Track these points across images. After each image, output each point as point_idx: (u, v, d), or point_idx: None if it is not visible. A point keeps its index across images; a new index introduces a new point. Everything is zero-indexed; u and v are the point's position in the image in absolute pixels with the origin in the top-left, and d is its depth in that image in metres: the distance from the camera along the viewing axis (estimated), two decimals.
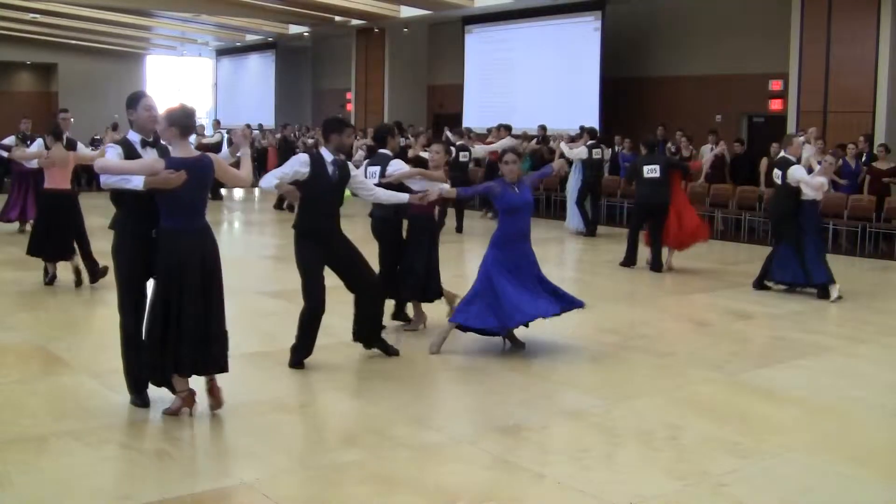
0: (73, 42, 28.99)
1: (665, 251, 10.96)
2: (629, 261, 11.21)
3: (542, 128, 18.22)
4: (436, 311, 7.68)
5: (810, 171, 9.48)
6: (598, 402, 5.74)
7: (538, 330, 7.12)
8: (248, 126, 24.37)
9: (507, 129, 16.80)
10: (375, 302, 6.46)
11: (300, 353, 6.28)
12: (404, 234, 7.51)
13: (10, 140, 13.34)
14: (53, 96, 31.25)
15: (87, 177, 18.52)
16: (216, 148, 18.36)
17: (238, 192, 21.13)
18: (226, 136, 24.54)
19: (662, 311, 9.05)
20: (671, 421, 5.39)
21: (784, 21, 15.43)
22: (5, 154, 13.25)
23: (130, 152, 5.20)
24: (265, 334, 7.35)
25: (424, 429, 5.21)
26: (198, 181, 5.09)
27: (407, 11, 21.48)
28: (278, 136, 22.33)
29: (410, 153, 10.55)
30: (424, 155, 10.35)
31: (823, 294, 9.32)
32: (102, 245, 9.10)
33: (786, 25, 15.37)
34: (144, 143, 5.29)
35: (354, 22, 23.18)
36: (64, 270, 9.30)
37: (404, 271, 7.30)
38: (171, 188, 4.94)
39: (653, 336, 7.75)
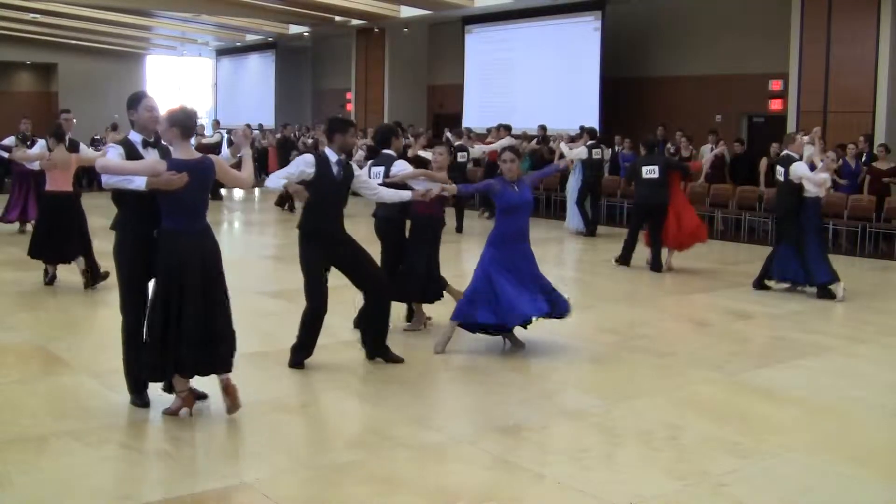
0: (73, 42, 28.99)
1: (665, 251, 10.97)
2: (624, 259, 11.24)
3: (542, 128, 18.22)
4: (441, 311, 7.69)
5: (813, 168, 9.48)
6: (598, 402, 5.74)
7: (538, 330, 7.12)
8: (249, 126, 24.48)
9: (507, 129, 16.81)
10: (382, 302, 6.40)
11: (301, 353, 6.28)
12: (407, 234, 7.52)
13: (10, 140, 13.32)
14: (53, 96, 31.25)
15: (87, 177, 18.52)
16: (216, 148, 18.35)
17: (238, 192, 21.13)
18: (225, 136, 24.57)
19: (662, 311, 9.05)
20: (671, 421, 5.39)
21: (784, 21, 15.43)
22: (6, 154, 13.24)
23: (132, 153, 5.20)
24: (265, 334, 7.34)
25: (424, 429, 5.21)
26: (199, 183, 5.09)
27: (407, 11, 21.48)
28: (278, 136, 22.32)
29: (410, 153, 10.55)
30: (424, 155, 10.36)
31: (823, 294, 9.32)
32: (104, 245, 9.13)
33: (786, 25, 15.37)
34: (146, 144, 5.29)
35: (354, 22, 23.18)
36: (64, 271, 9.30)
37: (406, 272, 7.30)
38: (172, 189, 4.94)
39: (653, 336, 7.75)
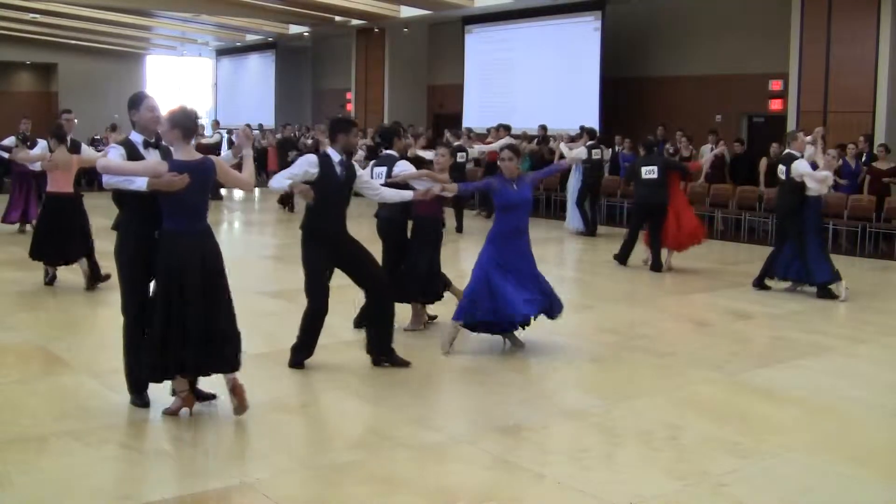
0: (73, 42, 29.00)
1: (664, 251, 10.97)
2: (622, 258, 11.25)
3: (543, 128, 18.23)
4: (441, 310, 7.69)
5: (815, 168, 9.48)
6: (598, 402, 5.74)
7: (538, 330, 7.12)
8: (249, 126, 24.47)
9: (507, 129, 16.80)
10: (384, 302, 6.37)
11: (301, 353, 6.28)
12: (409, 234, 7.53)
13: (10, 141, 13.32)
14: (53, 96, 31.25)
15: (87, 177, 18.52)
16: (215, 148, 18.36)
17: (238, 193, 21.12)
18: (225, 136, 24.57)
19: (662, 311, 9.05)
20: (671, 421, 5.39)
21: (784, 21, 15.43)
22: (6, 155, 13.23)
23: (133, 153, 5.20)
24: (265, 334, 7.34)
25: (424, 429, 5.21)
26: (200, 184, 5.09)
27: (407, 11, 21.48)
28: (279, 136, 22.31)
29: (409, 153, 10.55)
30: (423, 154, 10.37)
31: (823, 294, 9.32)
32: (104, 245, 9.13)
33: (786, 25, 15.37)
34: (147, 144, 5.28)
35: (354, 22, 23.18)
36: (63, 271, 9.29)
37: (407, 272, 7.31)
38: (173, 191, 4.94)
39: (653, 336, 7.75)
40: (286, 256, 11.87)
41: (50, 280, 9.18)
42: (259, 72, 30.45)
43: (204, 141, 19.24)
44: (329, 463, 4.71)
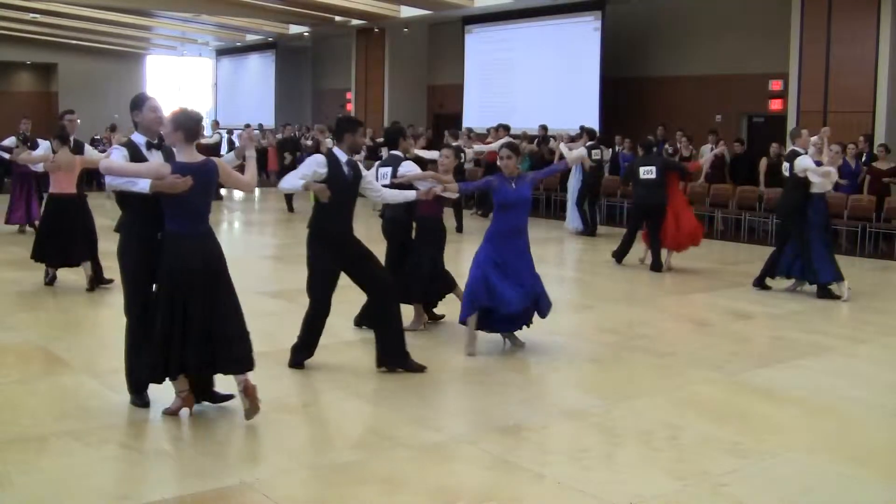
0: (73, 42, 29.00)
1: (664, 251, 10.98)
2: (619, 257, 11.27)
3: (543, 128, 18.23)
4: (442, 310, 7.69)
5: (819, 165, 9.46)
6: (598, 402, 5.74)
7: (538, 330, 7.12)
8: (249, 126, 24.45)
9: (506, 129, 16.80)
10: (388, 304, 6.29)
11: (301, 353, 6.28)
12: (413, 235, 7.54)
13: (10, 141, 13.31)
14: (53, 96, 31.26)
15: (86, 177, 18.53)
16: (215, 148, 18.37)
17: (238, 193, 21.13)
18: (225, 136, 24.56)
19: (662, 311, 9.05)
20: (671, 421, 5.39)
21: (784, 21, 15.43)
22: (7, 156, 13.22)
23: (136, 154, 5.19)
24: (265, 334, 7.32)
25: (424, 429, 5.21)
26: (202, 186, 5.08)
27: (407, 11, 21.48)
28: (279, 136, 22.31)
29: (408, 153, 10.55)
30: (423, 154, 10.36)
31: (823, 294, 9.32)
32: (105, 246, 9.14)
33: (786, 25, 15.37)
34: (150, 145, 5.28)
35: (354, 22, 23.19)
36: (63, 271, 9.28)
37: (410, 272, 7.31)
38: (176, 193, 4.94)
39: (653, 336, 7.75)
40: (286, 256, 11.87)
41: (50, 280, 9.18)
42: (259, 72, 30.45)
43: (204, 141, 19.22)
44: (329, 463, 4.71)
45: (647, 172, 10.94)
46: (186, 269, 5.02)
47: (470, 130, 19.41)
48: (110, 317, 8.05)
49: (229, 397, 5.37)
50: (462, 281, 7.21)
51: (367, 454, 4.80)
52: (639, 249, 11.31)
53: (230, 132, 26.53)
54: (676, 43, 18.46)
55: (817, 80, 14.91)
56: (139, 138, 5.29)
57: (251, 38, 28.85)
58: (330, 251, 6.14)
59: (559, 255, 13.07)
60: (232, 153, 5.82)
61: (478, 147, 16.02)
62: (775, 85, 16.81)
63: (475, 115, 21.71)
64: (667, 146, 15.53)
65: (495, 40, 21.61)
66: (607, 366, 6.78)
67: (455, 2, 20.34)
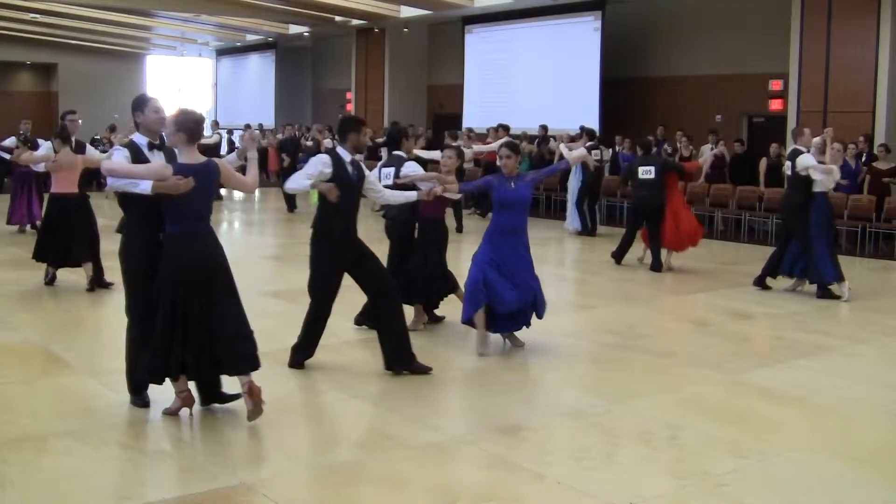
0: (73, 42, 29.02)
1: (664, 251, 10.98)
2: (618, 257, 11.28)
3: (544, 128, 18.23)
4: (444, 310, 7.69)
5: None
6: (598, 402, 5.74)
7: (538, 330, 7.12)
8: (249, 126, 24.44)
9: (506, 129, 16.80)
10: (390, 306, 6.25)
11: (301, 353, 6.27)
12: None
13: (10, 141, 13.31)
14: (53, 96, 31.28)
15: (86, 178, 18.53)
16: (215, 149, 18.36)
17: (238, 193, 21.12)
18: (224, 136, 24.55)
19: (662, 311, 9.05)
20: (671, 421, 5.39)
21: (784, 21, 15.43)
22: (7, 156, 13.22)
23: (138, 155, 5.18)
24: (265, 334, 7.29)
25: (424, 429, 5.21)
26: (204, 187, 5.07)
27: (407, 11, 21.49)
28: (279, 136, 22.30)
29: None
30: (422, 154, 10.35)
31: (823, 294, 9.32)
32: (107, 246, 9.14)
33: (786, 25, 15.37)
34: (152, 146, 5.28)
35: (354, 22, 23.19)
36: (63, 271, 9.27)
37: (412, 272, 7.31)
38: (178, 194, 4.93)
39: (653, 336, 7.75)
40: (286, 256, 11.87)
41: (50, 280, 9.17)
42: (259, 72, 30.46)
43: (203, 141, 19.19)
44: (329, 463, 4.72)
45: (646, 173, 10.96)
46: (187, 269, 5.01)
47: (470, 130, 19.40)
48: (110, 317, 8.05)
49: (237, 397, 5.35)
50: (462, 281, 7.21)
51: (367, 454, 4.80)
52: (637, 249, 11.32)
53: (230, 132, 26.53)
54: (676, 43, 18.46)
55: (817, 80, 14.91)
56: (141, 139, 5.29)
57: (251, 38, 28.86)
58: (333, 251, 6.12)
59: (559, 255, 13.07)
60: (234, 154, 5.81)
61: (477, 147, 16.00)
62: (775, 85, 16.81)
63: (475, 115, 21.71)
64: (665, 146, 15.53)
65: (495, 40, 21.62)
66: (607, 366, 6.78)
67: (455, 2, 20.34)
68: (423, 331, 7.45)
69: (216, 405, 5.38)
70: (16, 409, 5.38)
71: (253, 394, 5.06)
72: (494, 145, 14.96)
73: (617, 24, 18.98)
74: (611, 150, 16.69)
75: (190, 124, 5.09)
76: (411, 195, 6.62)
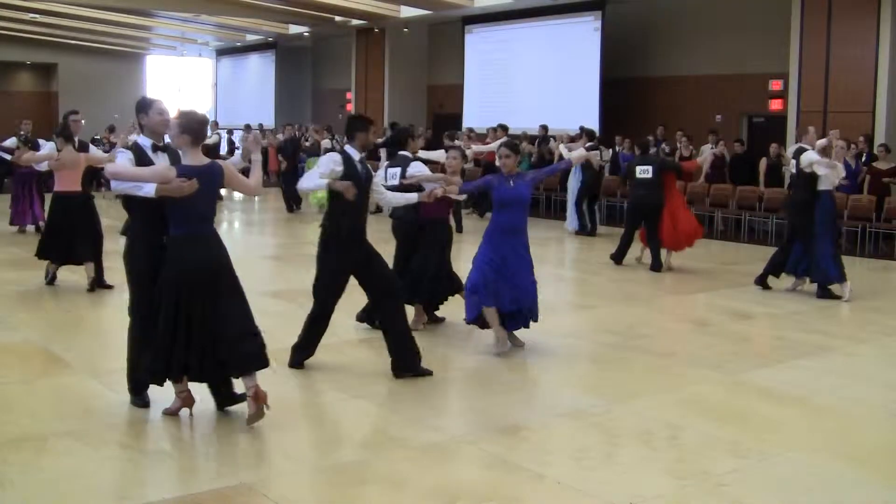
0: (73, 42, 29.01)
1: (664, 251, 10.98)
2: (618, 258, 11.29)
3: (544, 128, 18.22)
4: (445, 311, 7.69)
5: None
6: (598, 402, 5.74)
7: (538, 330, 7.12)
8: (248, 126, 24.42)
9: (504, 129, 16.79)
10: (394, 308, 6.24)
11: (302, 352, 6.27)
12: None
13: (11, 142, 13.30)
14: (53, 96, 31.27)
15: (87, 177, 18.52)
16: (214, 149, 18.36)
17: (238, 193, 21.10)
18: (224, 136, 24.54)
19: (662, 311, 9.05)
20: (671, 421, 5.39)
21: (784, 21, 15.43)
22: (8, 157, 13.21)
23: (141, 157, 5.18)
24: (265, 334, 7.32)
25: (424, 429, 5.21)
26: (207, 189, 5.06)
27: (407, 11, 21.49)
28: (279, 136, 22.26)
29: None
30: (422, 155, 10.34)
31: (823, 294, 9.32)
32: (108, 246, 9.14)
33: (786, 25, 15.37)
34: (156, 148, 5.28)
35: (354, 22, 23.19)
36: (64, 270, 9.27)
37: (415, 273, 7.31)
38: (182, 196, 4.93)
39: (653, 336, 7.76)
40: (286, 256, 11.87)
41: (51, 280, 9.16)
42: (259, 72, 30.45)
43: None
44: (329, 463, 4.72)
45: (644, 172, 10.97)
46: (191, 272, 5.00)
47: (471, 130, 19.39)
48: (111, 317, 8.06)
49: (241, 398, 5.33)
50: (465, 281, 7.21)
51: (367, 454, 4.80)
52: (636, 249, 11.32)
53: (230, 132, 26.52)
54: (676, 43, 18.46)
55: (817, 80, 14.91)
56: (145, 141, 5.29)
57: (251, 38, 28.85)
58: (341, 250, 6.10)
59: (559, 255, 13.07)
60: (239, 155, 5.80)
61: (476, 147, 16.01)
62: (775, 85, 16.81)
63: (475, 116, 21.70)
64: (663, 146, 15.53)
65: (495, 40, 21.61)
66: (607, 366, 6.78)
67: (455, 2, 20.34)
68: (422, 331, 7.44)
69: (212, 406, 5.37)
70: (16, 409, 5.38)
71: (258, 398, 5.05)
72: (494, 145, 14.95)
73: (617, 24, 18.97)
74: (611, 150, 16.69)
75: (194, 125, 5.08)
76: (412, 197, 6.61)
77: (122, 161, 5.15)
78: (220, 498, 4.20)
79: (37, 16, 23.34)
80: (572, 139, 15.56)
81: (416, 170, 7.23)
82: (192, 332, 5.01)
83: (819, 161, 9.16)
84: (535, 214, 15.62)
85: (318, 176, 6.03)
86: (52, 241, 8.96)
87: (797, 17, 15.16)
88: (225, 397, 5.34)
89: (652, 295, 9.77)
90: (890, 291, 10.76)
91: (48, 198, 10.10)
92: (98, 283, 8.92)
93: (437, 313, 7.78)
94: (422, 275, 7.31)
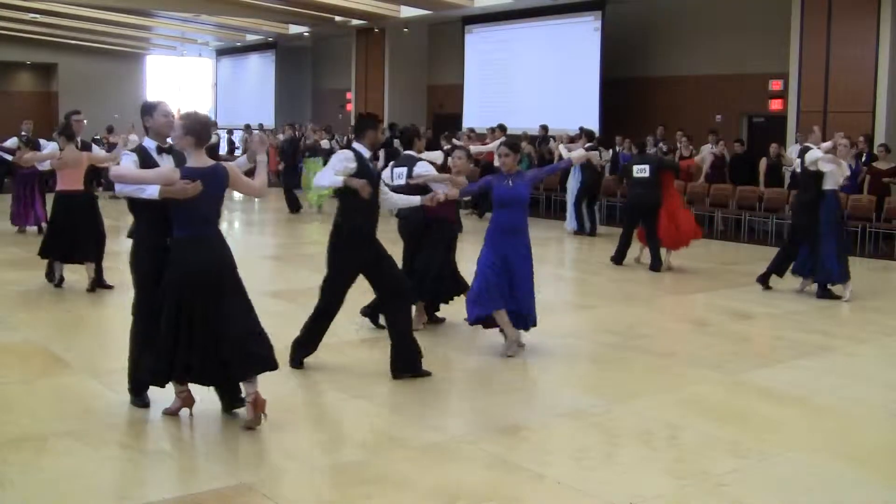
0: (73, 42, 29.01)
1: (663, 251, 10.98)
2: (618, 259, 11.29)
3: (544, 128, 18.22)
4: (446, 311, 7.69)
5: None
6: (598, 402, 5.74)
7: (539, 330, 7.11)
8: (248, 126, 24.43)
9: (503, 129, 16.79)
10: (400, 308, 6.23)
11: (303, 349, 6.25)
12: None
13: (12, 142, 13.30)
14: (53, 96, 31.27)
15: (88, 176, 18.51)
16: (214, 149, 18.36)
17: (237, 193, 21.09)
18: (224, 136, 24.54)
19: (662, 311, 9.05)
20: (671, 421, 5.39)
21: (784, 21, 15.43)
22: (8, 157, 13.21)
23: (146, 160, 5.18)
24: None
25: (425, 429, 5.22)
26: (212, 191, 5.06)
27: (407, 11, 21.49)
28: (280, 136, 22.26)
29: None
30: (422, 155, 10.35)
31: (823, 294, 9.32)
32: (111, 246, 9.14)
33: (786, 25, 15.37)
34: (161, 150, 5.28)
35: (354, 22, 23.19)
36: (64, 270, 9.27)
37: (420, 272, 7.31)
38: (186, 198, 4.92)
39: (653, 336, 7.76)
40: (286, 256, 11.87)
41: (58, 282, 9.11)
42: (259, 72, 30.45)
43: None
44: (329, 463, 4.72)
45: (641, 171, 10.98)
46: (194, 274, 4.98)
47: (471, 130, 19.38)
48: (111, 317, 8.07)
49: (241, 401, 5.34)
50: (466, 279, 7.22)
51: (367, 454, 4.80)
52: (634, 249, 11.32)
53: (230, 132, 26.53)
54: (676, 43, 18.46)
55: (817, 80, 14.91)
56: (150, 143, 5.29)
57: (251, 38, 28.85)
58: (352, 248, 6.10)
59: (559, 255, 13.07)
60: (244, 157, 5.80)
61: (476, 148, 16.00)
62: (775, 85, 16.81)
63: (475, 116, 21.71)
64: (660, 145, 15.53)
65: (495, 40, 21.61)
66: (607, 366, 6.78)
67: (455, 2, 20.34)
68: (423, 331, 7.44)
69: (212, 406, 5.37)
70: (16, 409, 5.39)
71: (257, 405, 5.04)
72: (493, 145, 14.97)
73: (617, 24, 18.98)
74: (611, 150, 16.69)
75: (197, 127, 5.06)
76: (415, 199, 6.60)
77: (127, 163, 5.15)
78: (220, 498, 4.20)
79: (37, 16, 23.35)
80: (572, 139, 15.56)
81: (423, 170, 7.23)
82: (194, 333, 5.00)
83: (823, 158, 9.16)
84: (535, 214, 15.63)
85: (332, 173, 6.02)
86: (54, 240, 8.97)
87: (797, 17, 15.17)
88: (235, 400, 5.31)
89: (652, 295, 9.77)
90: (890, 291, 10.76)
91: (50, 198, 10.09)
92: (98, 283, 8.92)
93: (438, 314, 7.78)
94: (425, 274, 7.31)
